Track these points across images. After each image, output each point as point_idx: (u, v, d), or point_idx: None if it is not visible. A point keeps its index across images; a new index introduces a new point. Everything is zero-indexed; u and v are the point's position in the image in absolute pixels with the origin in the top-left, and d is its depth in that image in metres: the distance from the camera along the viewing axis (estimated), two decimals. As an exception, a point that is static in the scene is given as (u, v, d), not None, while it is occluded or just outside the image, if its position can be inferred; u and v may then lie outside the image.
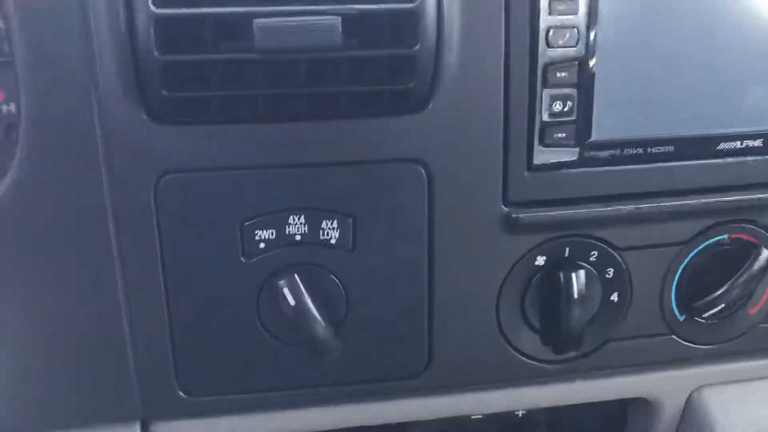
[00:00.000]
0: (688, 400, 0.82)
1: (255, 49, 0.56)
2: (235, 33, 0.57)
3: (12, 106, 0.61)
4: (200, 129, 0.61)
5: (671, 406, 0.82)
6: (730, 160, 0.70)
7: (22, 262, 0.63)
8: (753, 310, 0.77)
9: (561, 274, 0.70)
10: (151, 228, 0.63)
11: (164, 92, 0.58)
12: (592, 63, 0.64)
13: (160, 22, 0.55)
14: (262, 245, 0.65)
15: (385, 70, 0.60)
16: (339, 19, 0.57)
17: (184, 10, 0.55)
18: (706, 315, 0.74)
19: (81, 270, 0.64)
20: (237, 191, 0.63)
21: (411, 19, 0.58)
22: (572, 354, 0.74)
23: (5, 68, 0.59)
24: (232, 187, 0.63)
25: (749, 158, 0.70)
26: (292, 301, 0.65)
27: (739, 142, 0.70)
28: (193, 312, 0.66)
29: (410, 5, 0.58)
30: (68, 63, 0.58)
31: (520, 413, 0.84)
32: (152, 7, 0.55)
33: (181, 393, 0.69)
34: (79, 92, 0.59)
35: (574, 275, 0.69)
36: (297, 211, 0.65)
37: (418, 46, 0.59)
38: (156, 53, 0.56)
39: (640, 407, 0.84)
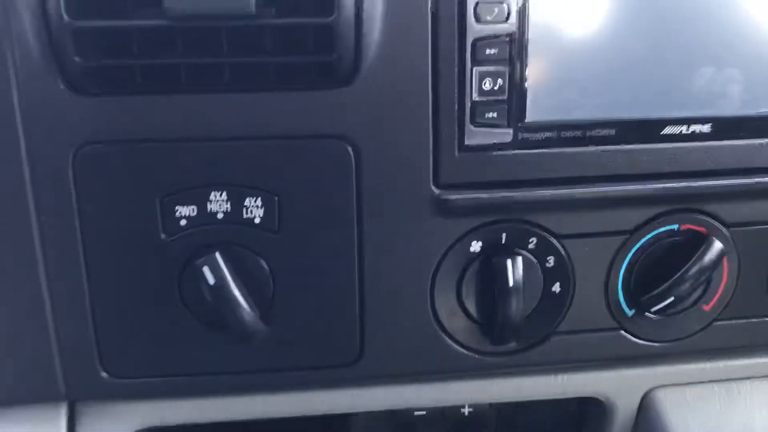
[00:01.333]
0: (642, 401, 0.78)
1: (165, 14, 0.56)
2: (145, 6, 0.56)
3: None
4: (119, 99, 0.60)
5: (625, 407, 0.78)
6: (675, 145, 0.67)
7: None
8: (707, 307, 0.73)
9: (496, 261, 0.67)
10: (69, 201, 0.62)
11: (77, 59, 0.57)
12: (524, 39, 0.62)
13: (68, -11, 0.55)
14: (183, 222, 0.63)
15: (306, 40, 0.59)
16: (253, -13, 0.56)
17: (92, -25, 0.55)
18: (654, 309, 0.71)
19: None
20: (157, 165, 0.62)
21: (327, -12, 0.57)
22: (513, 346, 0.71)
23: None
24: (152, 160, 0.62)
25: (696, 144, 0.67)
26: (212, 280, 0.63)
27: (685, 127, 0.67)
28: (114, 290, 0.65)
29: (325, -28, 0.57)
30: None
31: (466, 411, 0.81)
32: (60, -29, 0.54)
33: (103, 374, 0.67)
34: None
35: (510, 262, 0.67)
36: (219, 187, 0.63)
37: (335, 15, 0.58)
38: (66, 18, 0.55)
39: (594, 408, 0.80)
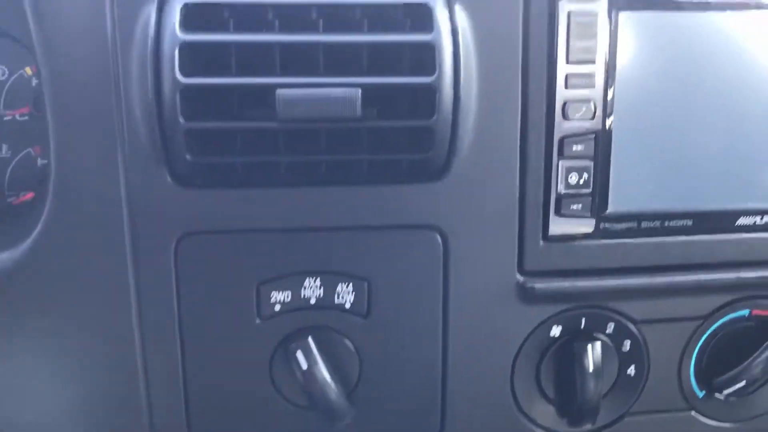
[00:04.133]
0: (710, 479, 0.79)
1: (277, 118, 0.58)
2: (258, 102, 0.59)
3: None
4: (222, 192, 0.63)
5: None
6: (749, 235, 0.69)
7: (43, 317, 0.64)
8: (777, 388, 0.75)
9: (576, 346, 0.69)
10: (169, 286, 0.64)
11: (188, 157, 0.60)
12: (608, 136, 0.65)
13: (186, 91, 0.57)
14: (277, 307, 0.66)
15: (404, 140, 0.62)
16: (359, 91, 0.58)
17: (209, 80, 0.58)
18: (726, 392, 0.73)
19: (100, 325, 0.65)
20: (255, 253, 0.64)
21: (428, 92, 0.60)
22: (588, 427, 0.73)
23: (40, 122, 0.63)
24: (250, 248, 0.64)
25: (769, 234, 0.70)
26: (304, 365, 0.65)
27: (759, 218, 0.69)
28: (208, 371, 0.67)
29: (428, 79, 0.59)
30: (98, 123, 0.61)
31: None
32: (179, 77, 0.57)
33: (192, 451, 0.69)
34: (106, 152, 0.61)
35: (589, 347, 0.69)
36: (313, 274, 0.66)
37: (435, 118, 0.60)
38: (181, 120, 0.58)
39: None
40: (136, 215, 0.62)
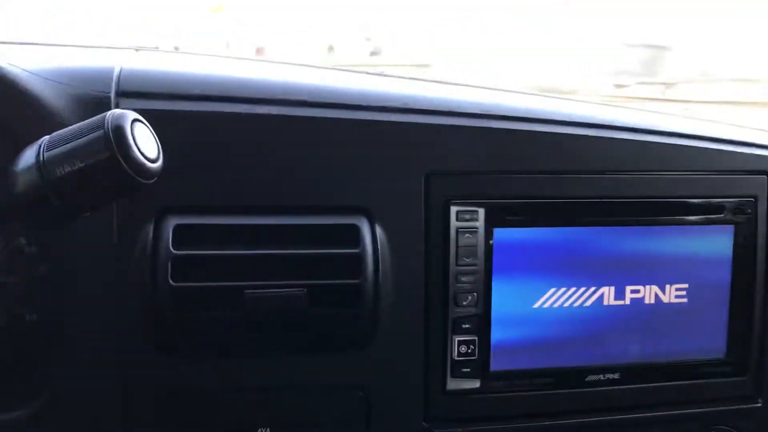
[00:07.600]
0: None
1: (245, 311, 0.79)
2: (232, 300, 0.79)
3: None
4: (201, 362, 0.82)
5: None
6: (595, 389, 0.93)
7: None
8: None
9: (469, 478, 0.90)
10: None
11: (177, 341, 0.79)
12: (488, 317, 0.88)
13: (178, 291, 0.77)
14: (236, 451, 0.84)
15: (339, 323, 0.83)
16: (305, 290, 0.80)
17: (196, 284, 0.78)
18: None
19: None
20: (221, 407, 0.83)
21: (356, 291, 0.81)
22: None
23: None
24: (218, 404, 0.83)
25: (610, 388, 0.93)
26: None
27: (602, 375, 0.93)
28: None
29: (355, 281, 0.81)
30: (102, 312, 0.79)
31: None
32: (171, 282, 0.77)
33: None
34: (106, 331, 0.79)
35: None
36: (265, 424, 0.84)
37: (360, 309, 0.82)
38: (171, 313, 0.78)
39: None
40: (128, 377, 0.81)
